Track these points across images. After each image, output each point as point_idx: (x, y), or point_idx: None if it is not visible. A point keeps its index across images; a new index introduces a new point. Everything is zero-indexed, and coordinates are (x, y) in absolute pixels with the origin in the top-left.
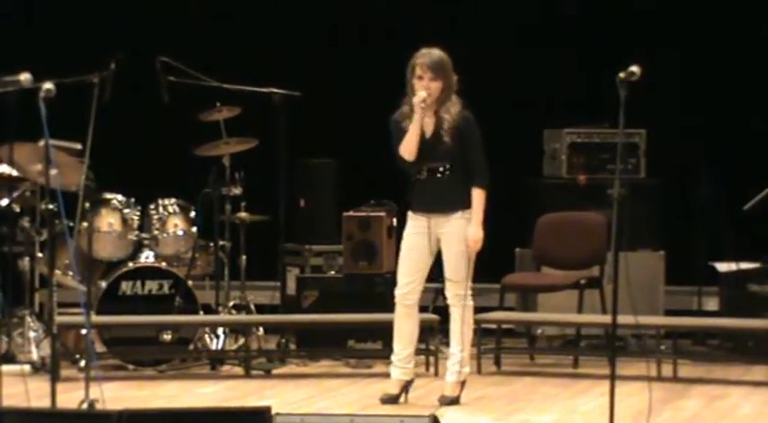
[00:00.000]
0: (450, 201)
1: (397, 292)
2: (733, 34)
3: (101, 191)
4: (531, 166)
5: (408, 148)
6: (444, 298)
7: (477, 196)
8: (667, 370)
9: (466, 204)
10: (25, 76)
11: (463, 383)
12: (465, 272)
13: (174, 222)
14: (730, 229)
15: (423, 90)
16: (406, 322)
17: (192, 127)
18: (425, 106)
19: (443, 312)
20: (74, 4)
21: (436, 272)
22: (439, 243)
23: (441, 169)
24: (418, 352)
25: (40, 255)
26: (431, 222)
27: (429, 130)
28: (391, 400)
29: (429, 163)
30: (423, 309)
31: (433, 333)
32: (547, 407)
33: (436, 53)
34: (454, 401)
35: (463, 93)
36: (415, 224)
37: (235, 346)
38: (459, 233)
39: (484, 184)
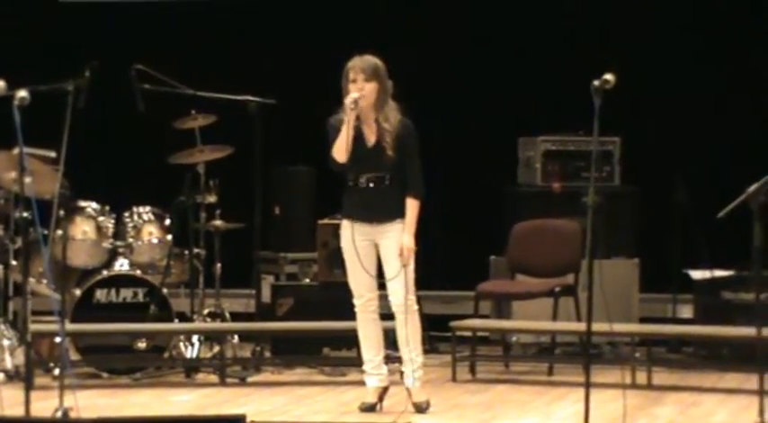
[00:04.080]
0: (390, 209)
1: (357, 302)
2: (708, 40)
3: (75, 199)
4: (506, 173)
5: (340, 150)
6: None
7: (412, 206)
8: (642, 377)
9: (404, 212)
10: None
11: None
12: (408, 278)
13: (148, 230)
14: (704, 236)
15: (357, 91)
16: (372, 328)
17: (166, 135)
18: (356, 108)
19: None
20: (48, 12)
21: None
22: (377, 249)
23: (381, 179)
24: (392, 360)
25: (14, 262)
26: (371, 230)
27: (371, 140)
28: (370, 408)
29: (370, 172)
30: (392, 316)
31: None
32: (522, 414)
33: (369, 57)
34: (428, 405)
35: (436, 100)
36: (355, 232)
37: (210, 354)
38: (398, 241)
39: (419, 193)
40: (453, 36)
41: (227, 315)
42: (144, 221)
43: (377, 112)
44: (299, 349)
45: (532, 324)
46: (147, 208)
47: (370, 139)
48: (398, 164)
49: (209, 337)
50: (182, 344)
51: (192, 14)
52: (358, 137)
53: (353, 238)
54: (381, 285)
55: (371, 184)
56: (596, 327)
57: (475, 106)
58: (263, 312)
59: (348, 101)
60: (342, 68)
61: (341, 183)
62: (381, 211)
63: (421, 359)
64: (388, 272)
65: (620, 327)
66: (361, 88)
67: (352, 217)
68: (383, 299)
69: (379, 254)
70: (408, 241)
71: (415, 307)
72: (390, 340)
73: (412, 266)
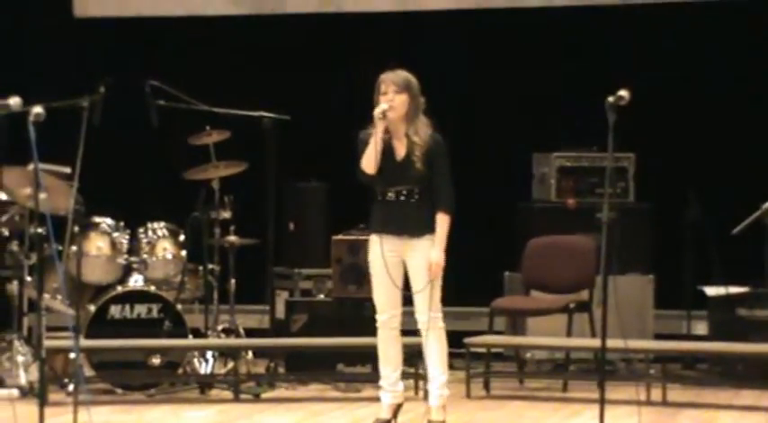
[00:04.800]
0: (419, 224)
1: (379, 318)
2: (721, 57)
3: (90, 215)
4: (520, 189)
5: (369, 161)
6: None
7: (442, 221)
8: (657, 394)
9: (434, 228)
10: (15, 100)
11: (444, 406)
12: (435, 294)
13: (163, 246)
14: (719, 253)
15: (387, 102)
16: (391, 345)
17: (181, 150)
18: (384, 118)
19: None
20: (63, 27)
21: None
22: (406, 265)
23: (410, 193)
24: (406, 376)
25: (28, 278)
26: (399, 244)
27: (400, 154)
28: None
29: (398, 186)
30: (412, 332)
31: (422, 356)
32: None
33: (401, 72)
34: None
35: (451, 117)
36: (383, 247)
37: (224, 370)
38: (427, 257)
39: (448, 208)
40: (467, 51)
41: (242, 331)
42: (158, 237)
43: (407, 125)
44: (313, 365)
45: (547, 340)
46: (162, 224)
47: (400, 152)
48: (428, 178)
49: (224, 353)
50: (196, 360)
51: (206, 30)
52: (388, 150)
53: (382, 252)
54: (407, 301)
55: (400, 198)
56: (611, 343)
57: (489, 122)
58: (277, 328)
59: (377, 111)
60: (355, 84)
61: (355, 198)
62: (410, 225)
63: (445, 378)
64: (415, 288)
65: (634, 343)
66: (391, 100)
67: (380, 231)
68: (407, 315)
69: (406, 269)
70: (437, 257)
71: (441, 324)
72: (408, 356)
73: (439, 283)
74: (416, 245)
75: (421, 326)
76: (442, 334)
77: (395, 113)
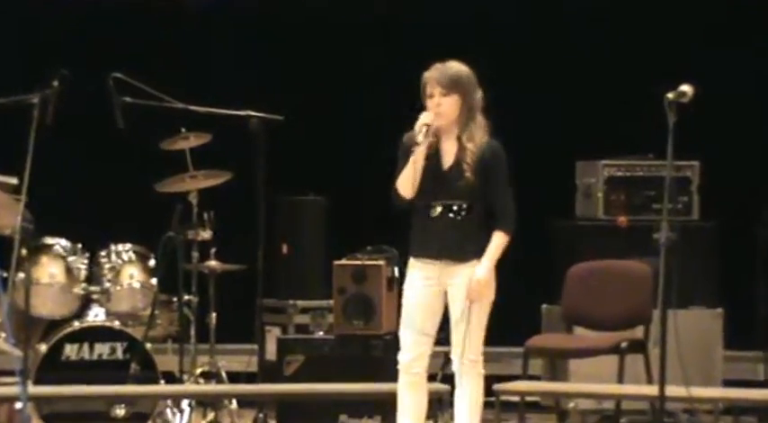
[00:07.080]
0: (465, 246)
1: (402, 358)
2: None
3: (41, 234)
4: (561, 205)
5: (405, 183)
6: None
7: (498, 238)
8: None
9: (483, 252)
10: None
11: None
12: (477, 332)
13: (129, 273)
14: None
15: (433, 109)
16: (412, 394)
17: (152, 157)
18: (428, 135)
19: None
20: (7, 10)
21: (442, 333)
22: (447, 296)
23: (457, 208)
24: None
25: None
26: (439, 271)
27: (449, 161)
28: None
29: (444, 200)
30: (431, 377)
31: (443, 406)
32: None
33: (450, 65)
34: None
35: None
36: (420, 274)
37: None
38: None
39: (508, 228)
40: (499, 46)
41: (224, 375)
42: (124, 262)
43: (460, 128)
44: (310, 416)
45: (594, 387)
46: (128, 246)
47: (448, 159)
48: (480, 191)
49: (203, 402)
50: (169, 410)
51: (183, 15)
52: (433, 156)
53: (430, 281)
54: (437, 341)
55: (445, 214)
56: (671, 391)
57: (525, 125)
58: (267, 372)
59: (418, 127)
60: (363, 80)
61: (360, 215)
62: (454, 247)
63: None
64: (454, 323)
65: (699, 391)
66: (439, 104)
67: (419, 254)
68: (436, 357)
69: (447, 302)
70: (482, 273)
71: (480, 370)
72: (432, 404)
73: (484, 321)
74: (459, 271)
75: (455, 368)
76: (479, 381)
77: (445, 119)
